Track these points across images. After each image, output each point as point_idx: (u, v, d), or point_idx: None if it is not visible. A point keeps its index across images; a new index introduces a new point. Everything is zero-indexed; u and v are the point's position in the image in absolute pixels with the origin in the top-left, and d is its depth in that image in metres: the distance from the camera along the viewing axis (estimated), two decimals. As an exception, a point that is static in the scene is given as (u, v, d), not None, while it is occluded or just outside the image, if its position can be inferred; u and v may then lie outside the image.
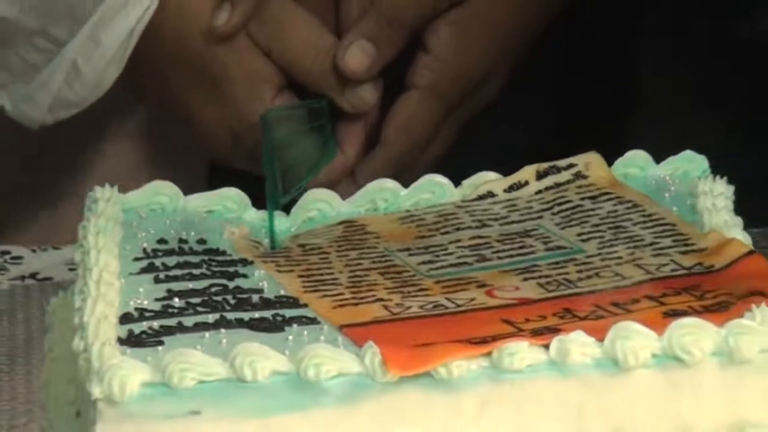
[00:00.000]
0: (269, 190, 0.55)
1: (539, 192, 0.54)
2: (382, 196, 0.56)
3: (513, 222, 0.52)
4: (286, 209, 0.55)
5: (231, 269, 0.47)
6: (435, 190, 0.56)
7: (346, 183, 0.75)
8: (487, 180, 0.56)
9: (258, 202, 0.55)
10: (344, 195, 0.61)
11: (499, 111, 0.82)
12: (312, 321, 0.44)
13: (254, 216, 0.54)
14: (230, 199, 0.55)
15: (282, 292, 0.46)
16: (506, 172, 0.56)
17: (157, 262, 0.49)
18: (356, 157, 0.78)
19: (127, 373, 0.41)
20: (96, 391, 0.41)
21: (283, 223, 0.54)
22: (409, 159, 0.79)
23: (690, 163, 0.56)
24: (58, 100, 0.77)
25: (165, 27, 0.73)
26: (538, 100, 0.92)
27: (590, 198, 0.54)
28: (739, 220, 0.50)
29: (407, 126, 0.78)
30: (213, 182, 0.82)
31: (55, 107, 0.78)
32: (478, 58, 0.80)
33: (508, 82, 0.82)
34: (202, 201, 0.54)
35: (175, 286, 0.46)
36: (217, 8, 0.72)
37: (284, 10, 0.75)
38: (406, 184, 0.57)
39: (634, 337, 0.39)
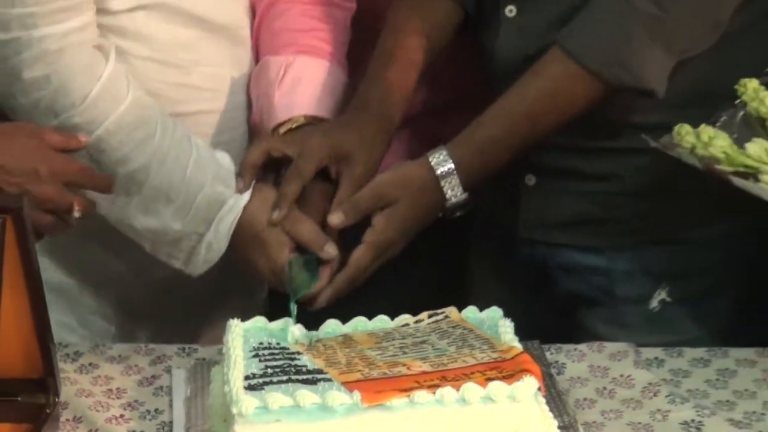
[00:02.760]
0: (291, 303, 1.03)
1: (429, 323, 0.99)
2: (356, 326, 1.00)
3: (418, 336, 0.96)
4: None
5: (292, 356, 0.91)
6: (381, 322, 1.00)
7: (324, 292, 1.12)
8: (406, 318, 1.00)
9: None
10: (323, 301, 1.12)
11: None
12: (329, 380, 0.86)
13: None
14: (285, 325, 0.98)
15: (315, 367, 0.89)
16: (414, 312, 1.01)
17: (259, 352, 0.91)
18: (328, 279, 1.13)
19: (247, 403, 0.81)
20: (234, 410, 0.83)
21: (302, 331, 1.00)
22: (359, 279, 1.15)
23: (496, 312, 0.98)
24: (203, 263, 1.18)
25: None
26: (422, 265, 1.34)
27: (452, 327, 0.97)
28: (516, 338, 0.92)
29: (358, 261, 1.13)
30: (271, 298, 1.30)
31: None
32: (397, 235, 1.14)
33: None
34: (279, 324, 0.97)
35: (268, 363, 0.89)
36: (272, 209, 1.12)
37: (294, 216, 1.14)
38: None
39: (471, 390, 0.81)
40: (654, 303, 1.23)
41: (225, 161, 1.17)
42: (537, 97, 1.13)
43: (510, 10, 1.19)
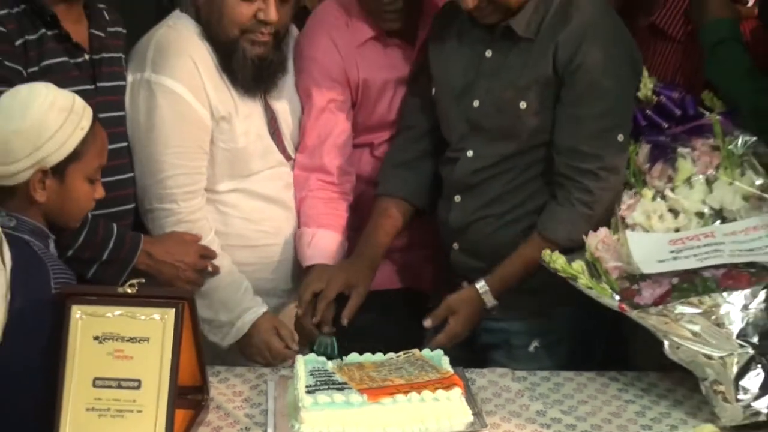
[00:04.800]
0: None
1: (403, 357, 1.62)
2: (365, 358, 1.62)
3: (397, 364, 1.59)
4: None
5: (330, 375, 1.54)
6: (378, 356, 1.63)
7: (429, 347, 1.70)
8: (390, 354, 1.62)
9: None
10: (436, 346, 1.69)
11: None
12: (350, 388, 1.49)
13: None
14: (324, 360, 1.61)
15: (343, 380, 1.51)
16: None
17: (313, 372, 1.54)
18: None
19: (306, 399, 1.44)
20: (300, 404, 1.45)
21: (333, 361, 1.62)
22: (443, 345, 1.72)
23: (439, 352, 1.62)
24: (230, 339, 1.84)
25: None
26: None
27: (415, 359, 1.61)
28: (450, 366, 1.55)
29: (439, 342, 1.72)
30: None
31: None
32: (461, 329, 1.76)
33: None
34: (322, 358, 1.62)
35: (318, 378, 1.51)
36: (306, 314, 1.79)
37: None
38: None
39: (426, 394, 1.46)
40: (531, 348, 1.89)
41: (248, 285, 1.88)
42: (528, 255, 1.75)
43: (457, 198, 1.85)
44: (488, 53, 1.81)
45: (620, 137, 1.77)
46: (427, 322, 1.78)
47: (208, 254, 1.83)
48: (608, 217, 1.76)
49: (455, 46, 1.86)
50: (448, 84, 1.87)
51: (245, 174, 1.90)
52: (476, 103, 1.83)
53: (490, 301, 1.79)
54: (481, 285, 1.78)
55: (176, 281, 1.80)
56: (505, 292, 1.79)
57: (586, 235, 1.72)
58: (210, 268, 1.85)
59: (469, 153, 1.84)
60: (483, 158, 1.83)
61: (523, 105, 1.76)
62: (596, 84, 1.74)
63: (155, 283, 1.76)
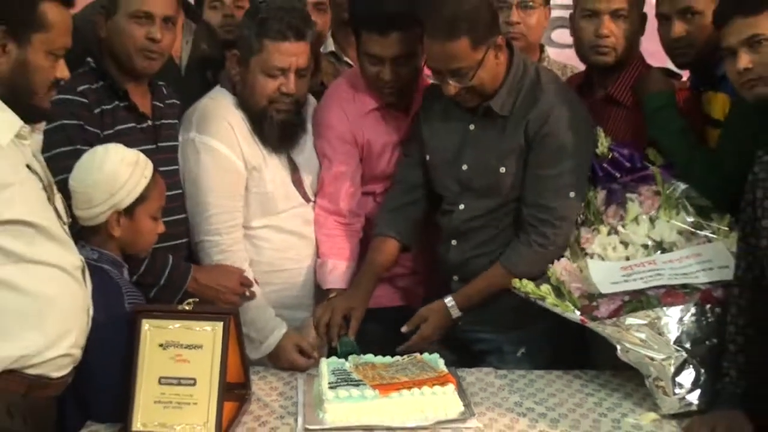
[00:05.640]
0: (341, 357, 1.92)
1: (408, 360, 1.90)
2: (377, 359, 1.90)
3: (403, 365, 1.86)
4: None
5: (348, 373, 1.81)
6: (387, 359, 1.90)
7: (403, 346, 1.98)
8: (397, 357, 1.88)
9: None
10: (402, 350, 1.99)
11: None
12: (365, 384, 1.76)
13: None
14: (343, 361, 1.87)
15: (358, 378, 1.79)
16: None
17: (334, 371, 1.82)
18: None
19: (329, 393, 1.72)
20: (323, 397, 1.73)
21: (350, 359, 1.87)
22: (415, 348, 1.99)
23: (435, 355, 1.90)
24: (262, 352, 2.06)
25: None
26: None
27: (418, 362, 1.88)
28: (445, 367, 1.83)
29: (413, 343, 2.00)
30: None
31: None
32: (431, 333, 2.05)
33: None
34: (342, 359, 1.89)
35: (338, 377, 1.78)
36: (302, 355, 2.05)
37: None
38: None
39: (426, 389, 1.72)
40: (518, 354, 2.11)
41: (272, 311, 2.12)
42: (491, 280, 2.04)
43: (453, 242, 2.10)
44: (472, 127, 2.08)
45: (572, 194, 2.01)
46: (404, 328, 2.03)
47: (246, 282, 2.11)
48: (559, 253, 2.04)
49: (443, 120, 2.12)
50: (441, 152, 2.12)
51: (273, 213, 2.17)
52: (465, 167, 2.08)
53: (455, 312, 2.06)
54: (448, 300, 2.07)
55: (218, 302, 2.05)
56: (468, 306, 2.07)
57: (540, 269, 1.99)
58: (247, 293, 2.11)
59: (461, 207, 2.11)
60: (472, 211, 2.10)
61: (502, 170, 2.03)
62: (556, 152, 1.99)
63: (206, 303, 2.02)
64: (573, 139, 2.00)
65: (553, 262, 1.97)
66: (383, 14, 2.10)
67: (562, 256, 2.00)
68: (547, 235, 1.99)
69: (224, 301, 2.05)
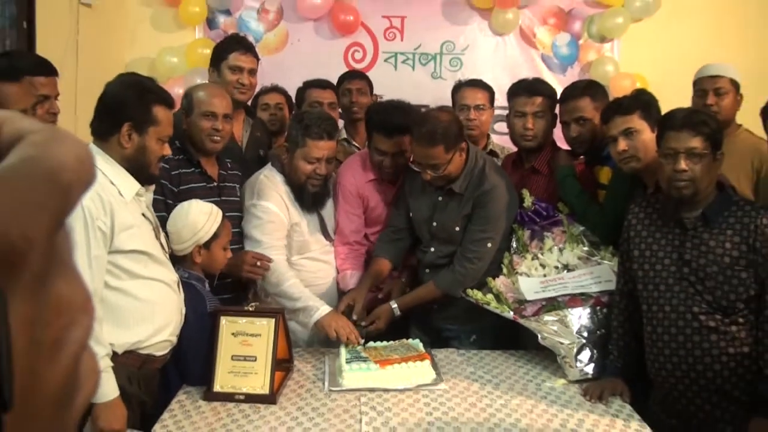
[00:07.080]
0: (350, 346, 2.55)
1: (399, 343, 2.57)
2: (377, 343, 2.53)
3: (394, 347, 2.52)
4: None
5: (359, 353, 2.46)
6: (384, 343, 2.55)
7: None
8: (391, 342, 2.58)
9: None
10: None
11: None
12: (369, 360, 2.39)
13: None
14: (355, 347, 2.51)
15: (365, 356, 2.43)
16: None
17: (349, 351, 2.46)
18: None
19: (345, 366, 2.38)
20: (342, 369, 2.41)
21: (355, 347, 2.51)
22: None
23: (416, 341, 2.57)
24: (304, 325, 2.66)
25: None
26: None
27: (404, 345, 2.54)
28: (422, 348, 2.52)
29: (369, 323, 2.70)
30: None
31: None
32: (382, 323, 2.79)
33: None
34: (355, 346, 2.51)
35: (352, 355, 2.44)
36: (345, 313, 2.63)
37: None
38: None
39: (411, 362, 2.42)
40: (471, 340, 2.68)
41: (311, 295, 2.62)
42: (424, 291, 2.63)
43: (428, 271, 2.68)
44: (440, 198, 2.65)
45: (489, 245, 2.57)
46: (363, 323, 2.59)
47: (259, 257, 2.58)
48: (471, 283, 2.63)
49: (421, 192, 2.70)
50: (419, 212, 2.71)
51: (307, 251, 2.79)
52: (435, 224, 2.67)
53: (397, 312, 2.61)
54: (393, 303, 2.64)
55: (238, 272, 2.56)
56: (405, 309, 2.64)
57: (456, 289, 2.61)
58: (259, 264, 2.57)
59: (432, 249, 2.71)
60: (439, 252, 2.69)
61: (457, 228, 2.64)
62: (485, 218, 2.57)
63: (263, 304, 2.63)
64: (499, 209, 2.58)
65: (468, 285, 2.62)
66: (391, 124, 2.76)
67: (501, 274, 2.63)
68: (466, 267, 2.58)
69: (244, 271, 2.57)
